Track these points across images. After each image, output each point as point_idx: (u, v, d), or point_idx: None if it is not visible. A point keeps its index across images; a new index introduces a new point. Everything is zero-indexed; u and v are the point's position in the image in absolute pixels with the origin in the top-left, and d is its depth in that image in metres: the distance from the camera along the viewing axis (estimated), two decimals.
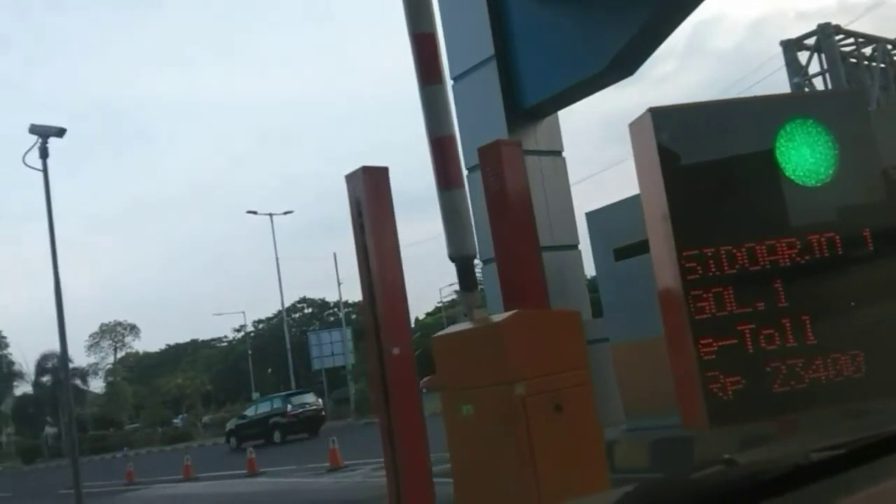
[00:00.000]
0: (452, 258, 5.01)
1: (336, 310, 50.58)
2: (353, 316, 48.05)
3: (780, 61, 19.93)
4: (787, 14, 71.69)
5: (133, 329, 65.36)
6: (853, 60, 19.55)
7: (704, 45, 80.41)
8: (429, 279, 52.95)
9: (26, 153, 11.18)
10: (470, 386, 4.51)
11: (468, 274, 5.03)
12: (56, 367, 48.02)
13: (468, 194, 5.47)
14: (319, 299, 58.45)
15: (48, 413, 52.31)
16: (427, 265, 40.60)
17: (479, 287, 6.04)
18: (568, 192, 7.65)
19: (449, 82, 6.32)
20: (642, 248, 7.24)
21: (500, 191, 5.40)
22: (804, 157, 4.34)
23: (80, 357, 57.79)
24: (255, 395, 39.66)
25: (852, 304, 4.35)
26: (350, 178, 5.46)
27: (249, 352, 49.84)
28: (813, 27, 19.52)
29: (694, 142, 4.49)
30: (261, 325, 59.42)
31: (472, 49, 7.42)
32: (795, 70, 19.36)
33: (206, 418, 47.28)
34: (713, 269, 4.17)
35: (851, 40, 19.70)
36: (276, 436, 27.78)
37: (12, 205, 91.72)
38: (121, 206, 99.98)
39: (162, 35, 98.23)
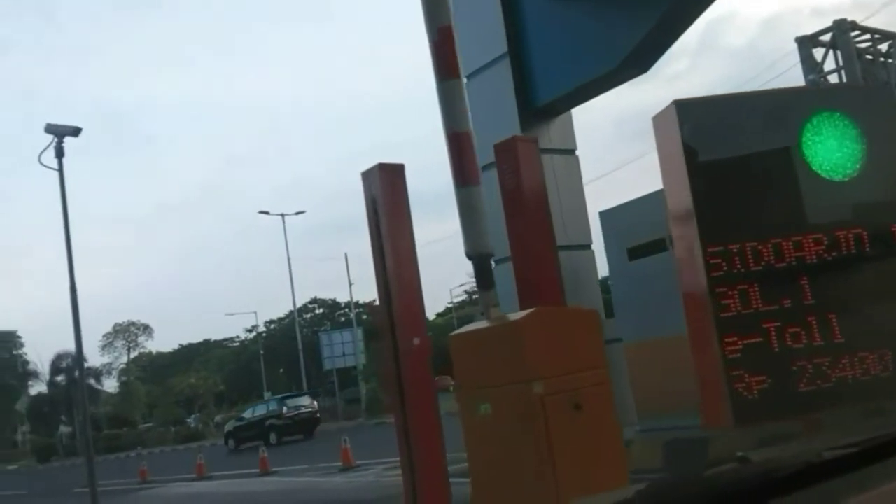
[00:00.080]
0: (470, 256, 4.97)
1: (347, 310, 50.66)
2: (364, 316, 48.12)
3: (794, 58, 19.78)
4: (801, 11, 71.17)
5: (146, 329, 65.76)
6: (869, 57, 19.37)
7: (717, 42, 79.84)
8: (439, 280, 52.95)
9: (42, 152, 11.21)
10: (488, 385, 4.47)
11: (485, 272, 4.98)
12: (70, 366, 48.40)
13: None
14: (330, 300, 58.61)
15: (63, 412, 52.73)
16: (437, 266, 40.55)
17: None
18: (581, 190, 7.61)
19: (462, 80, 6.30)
20: (657, 247, 7.20)
21: (516, 188, 5.36)
22: (831, 151, 4.27)
23: (93, 357, 58.25)
24: (267, 395, 39.81)
25: (880, 301, 4.27)
26: (366, 176, 5.44)
27: (261, 352, 50.00)
28: (827, 23, 19.35)
29: (719, 135, 4.41)
30: (272, 326, 59.61)
31: (485, 47, 7.39)
32: (811, 67, 19.19)
33: (218, 418, 47.46)
34: (738, 266, 4.10)
35: (867, 36, 19.51)
36: (272, 437, 28.04)
37: (26, 205, 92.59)
38: (134, 207, 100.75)
39: (165, 35, 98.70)
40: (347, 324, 47.37)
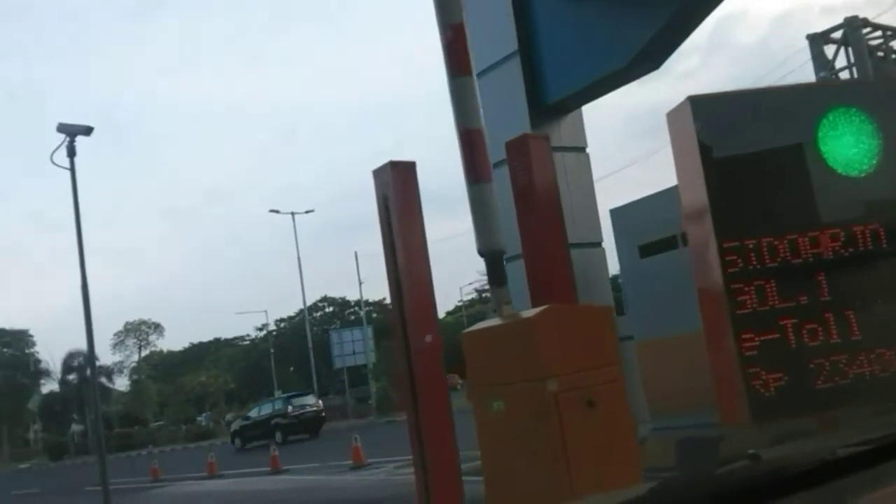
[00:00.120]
0: (482, 253, 4.97)
1: (357, 308, 50.76)
2: (374, 315, 48.20)
3: (805, 56, 19.62)
4: (812, 8, 70.61)
5: (157, 328, 66.16)
6: (880, 54, 19.21)
7: (728, 40, 79.45)
8: (449, 279, 52.93)
9: (54, 151, 11.27)
10: (501, 382, 4.46)
11: (498, 269, 4.98)
12: (82, 365, 48.71)
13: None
14: (340, 298, 58.78)
15: (74, 410, 53.08)
16: (447, 264, 40.49)
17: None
18: (592, 188, 7.58)
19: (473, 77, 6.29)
20: (668, 244, 7.17)
21: (527, 185, 5.35)
22: (848, 146, 4.24)
23: (105, 355, 58.68)
24: (278, 393, 39.98)
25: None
26: (377, 173, 5.44)
27: (272, 350, 50.19)
28: (838, 20, 19.20)
29: (734, 130, 4.38)
30: (283, 324, 59.85)
31: (495, 44, 7.37)
32: (822, 64, 19.06)
33: (228, 416, 47.68)
34: (754, 262, 4.07)
35: (879, 33, 19.35)
36: (278, 436, 28.11)
37: (38, 204, 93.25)
38: (144, 207, 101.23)
39: (178, 37, 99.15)
40: (357, 322, 47.47)
